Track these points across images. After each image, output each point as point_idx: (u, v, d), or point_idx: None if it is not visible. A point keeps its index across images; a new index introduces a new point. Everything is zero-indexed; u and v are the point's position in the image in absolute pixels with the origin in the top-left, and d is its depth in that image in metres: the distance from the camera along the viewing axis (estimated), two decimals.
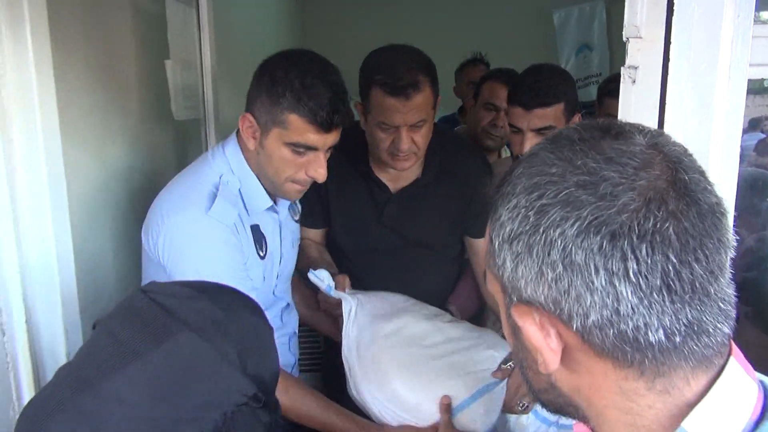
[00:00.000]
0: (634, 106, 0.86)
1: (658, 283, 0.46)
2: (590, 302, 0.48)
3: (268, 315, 1.36)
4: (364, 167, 1.51)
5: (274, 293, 1.38)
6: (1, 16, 0.95)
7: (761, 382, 0.52)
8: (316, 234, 1.59)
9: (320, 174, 1.21)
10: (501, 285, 0.54)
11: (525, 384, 0.61)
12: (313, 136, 1.16)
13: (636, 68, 0.85)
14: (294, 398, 1.21)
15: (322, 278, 1.28)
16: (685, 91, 0.76)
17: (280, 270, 1.38)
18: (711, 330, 0.48)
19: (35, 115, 1.02)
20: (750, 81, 0.82)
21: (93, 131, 1.33)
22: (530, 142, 1.48)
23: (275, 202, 1.32)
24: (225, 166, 1.24)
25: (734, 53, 0.75)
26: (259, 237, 1.28)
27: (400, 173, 1.50)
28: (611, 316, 0.47)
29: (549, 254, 0.48)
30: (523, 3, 4.56)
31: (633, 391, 0.50)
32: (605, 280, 0.47)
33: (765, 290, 0.92)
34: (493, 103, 2.14)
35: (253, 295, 0.94)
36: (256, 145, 1.21)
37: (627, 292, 0.46)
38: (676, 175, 0.47)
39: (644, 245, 0.45)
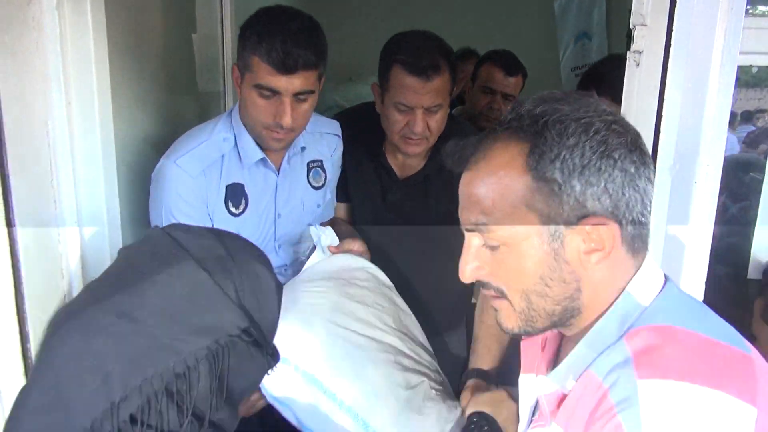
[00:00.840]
0: (637, 87, 0.98)
1: (652, 181, 0.69)
2: (635, 200, 0.67)
3: None
4: (376, 151, 1.58)
5: (278, 254, 1.47)
6: None
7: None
8: (342, 207, 1.67)
9: (285, 120, 1.25)
10: (546, 216, 0.66)
11: (527, 315, 0.72)
12: (272, 78, 1.22)
13: (641, 53, 0.97)
14: None
15: (320, 233, 1.36)
16: (683, 75, 0.87)
17: (278, 227, 1.45)
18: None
19: (92, 81, 1.11)
20: (746, 73, 0.94)
21: (135, 99, 1.43)
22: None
23: (280, 164, 1.41)
24: (228, 124, 1.37)
25: (727, 42, 0.86)
26: (236, 195, 1.37)
27: (408, 162, 1.56)
28: (641, 208, 0.68)
29: (613, 171, 0.65)
30: None
31: (626, 270, 0.70)
32: (644, 181, 0.67)
33: (744, 254, 1.05)
34: (489, 87, 2.20)
35: None
36: (240, 93, 1.31)
37: (649, 188, 0.68)
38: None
39: (647, 157, 0.69)
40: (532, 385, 0.83)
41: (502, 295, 0.73)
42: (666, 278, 0.73)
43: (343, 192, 1.63)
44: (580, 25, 4.90)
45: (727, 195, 1.16)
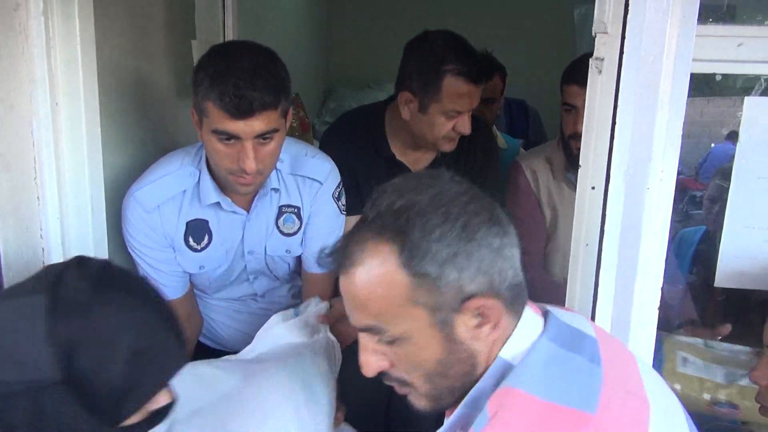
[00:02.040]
0: (599, 94, 0.98)
1: (516, 242, 0.74)
2: (506, 268, 0.71)
3: (238, 296, 1.51)
4: (386, 152, 1.59)
5: (250, 282, 1.48)
6: (51, 5, 1.09)
7: (546, 312, 0.77)
8: (353, 222, 1.67)
9: (247, 165, 1.16)
10: (432, 308, 0.70)
11: (433, 395, 0.75)
12: (229, 123, 1.13)
13: (602, 60, 0.97)
14: None
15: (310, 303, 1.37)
16: (635, 81, 0.88)
17: (249, 263, 1.42)
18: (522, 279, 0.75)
19: (79, 83, 1.16)
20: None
21: (127, 101, 1.48)
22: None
23: (247, 206, 1.33)
24: (197, 159, 1.31)
25: (679, 49, 0.86)
26: (198, 231, 1.33)
27: (420, 155, 1.60)
28: (513, 273, 0.72)
29: (479, 251, 0.69)
30: (544, 0, 4.62)
31: (508, 332, 0.74)
32: (509, 249, 0.72)
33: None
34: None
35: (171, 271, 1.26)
36: (200, 138, 1.23)
37: (515, 252, 0.73)
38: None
39: (509, 224, 0.74)
40: None
41: (405, 384, 0.76)
42: (544, 327, 0.75)
43: (357, 202, 1.52)
44: None
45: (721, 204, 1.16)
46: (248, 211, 1.35)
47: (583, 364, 0.71)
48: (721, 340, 1.42)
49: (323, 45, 4.84)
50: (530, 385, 0.68)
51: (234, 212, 1.35)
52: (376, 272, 0.70)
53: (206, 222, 1.34)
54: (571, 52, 4.66)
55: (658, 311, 0.95)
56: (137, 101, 1.54)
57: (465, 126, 1.47)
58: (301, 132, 3.52)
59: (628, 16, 0.87)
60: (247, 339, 1.35)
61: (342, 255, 0.73)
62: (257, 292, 1.51)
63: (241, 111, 1.12)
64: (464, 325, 0.71)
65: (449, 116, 1.46)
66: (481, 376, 0.74)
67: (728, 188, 1.05)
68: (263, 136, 1.17)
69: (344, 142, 1.60)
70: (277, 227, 1.40)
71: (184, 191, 1.31)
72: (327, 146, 1.62)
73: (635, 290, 0.94)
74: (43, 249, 1.14)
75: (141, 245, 1.33)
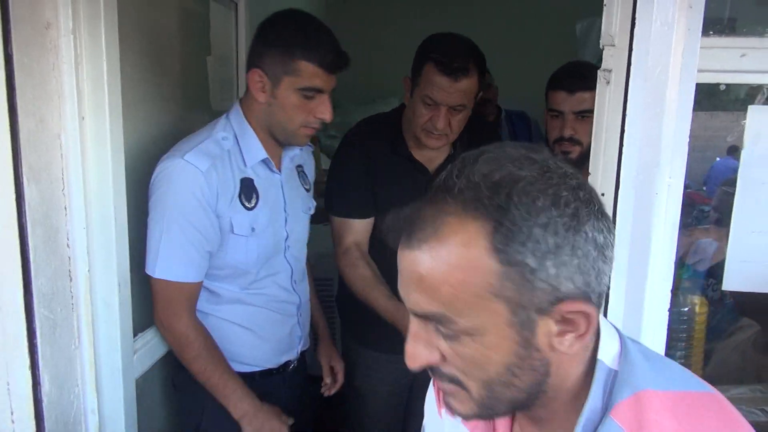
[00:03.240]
0: (607, 104, 1.02)
1: (613, 243, 0.62)
2: (604, 271, 0.60)
3: (280, 279, 1.53)
4: (404, 150, 1.65)
5: (285, 257, 1.52)
6: (82, 13, 1.14)
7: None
8: (363, 225, 1.67)
9: (327, 115, 1.38)
10: (516, 304, 0.58)
11: (486, 403, 0.64)
12: (320, 79, 1.34)
13: (610, 71, 1.01)
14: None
15: None
16: (642, 91, 0.92)
17: (289, 231, 1.51)
18: None
19: (104, 99, 1.21)
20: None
21: (147, 115, 1.53)
22: (570, 124, 1.60)
23: (278, 167, 1.49)
24: (226, 127, 1.43)
25: (684, 60, 0.90)
26: (248, 189, 1.42)
27: (434, 153, 1.65)
28: (605, 278, 0.61)
29: (585, 246, 0.57)
30: (546, 14, 4.69)
31: (591, 339, 0.64)
32: (610, 249, 0.60)
33: None
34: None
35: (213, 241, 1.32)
36: (267, 98, 1.38)
37: (613, 255, 0.61)
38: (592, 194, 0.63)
39: (611, 224, 0.62)
40: None
41: (456, 383, 0.64)
42: (616, 330, 0.69)
43: (369, 207, 1.67)
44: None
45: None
46: (280, 171, 1.51)
47: (664, 357, 0.70)
48: None
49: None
50: (655, 382, 0.62)
51: (272, 171, 1.48)
52: (457, 252, 0.57)
53: (252, 180, 1.43)
54: None
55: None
56: (157, 116, 1.59)
57: (439, 121, 1.52)
58: (313, 163, 3.56)
59: (635, 29, 0.91)
60: (273, 349, 1.50)
61: (411, 226, 0.61)
62: (293, 269, 1.55)
63: (337, 66, 1.35)
64: (546, 329, 0.59)
65: (426, 104, 1.52)
66: (550, 390, 0.64)
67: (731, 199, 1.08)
68: (331, 91, 1.39)
69: (364, 142, 1.68)
70: (301, 184, 1.61)
71: (228, 150, 1.40)
72: (347, 147, 1.70)
73: (646, 294, 0.97)
74: (69, 258, 1.18)
75: (188, 213, 1.32)
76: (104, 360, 1.28)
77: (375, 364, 1.82)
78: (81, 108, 1.18)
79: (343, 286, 1.78)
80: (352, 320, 1.86)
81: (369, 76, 4.71)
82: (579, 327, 0.60)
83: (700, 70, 0.91)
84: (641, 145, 0.93)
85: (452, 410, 0.66)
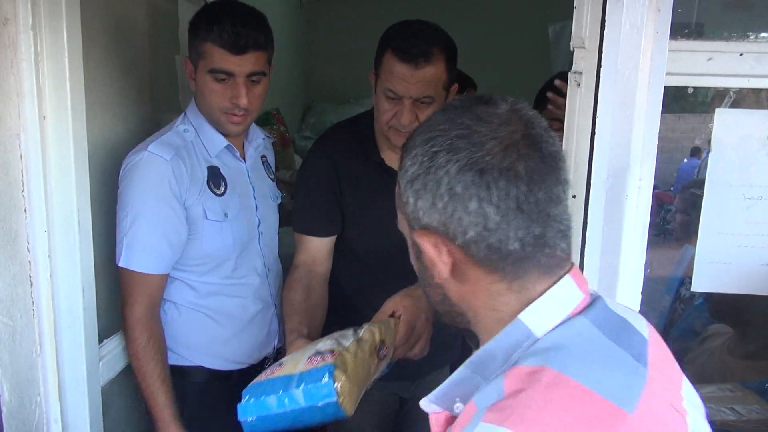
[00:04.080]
0: (578, 106, 1.02)
1: (513, 205, 0.63)
2: (467, 222, 0.64)
3: (257, 267, 1.53)
4: (376, 157, 1.48)
5: (259, 243, 1.52)
6: (43, 10, 1.10)
7: (597, 297, 0.70)
8: (319, 244, 1.47)
9: (241, 101, 1.33)
10: (407, 219, 0.71)
11: (427, 300, 0.78)
12: (225, 60, 1.30)
13: (581, 73, 1.02)
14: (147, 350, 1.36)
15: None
16: (612, 94, 0.92)
17: (260, 218, 1.52)
18: (551, 244, 0.66)
19: (66, 97, 1.17)
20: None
21: (113, 114, 1.49)
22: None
23: (243, 155, 1.50)
24: (185, 121, 1.43)
25: (653, 63, 0.91)
26: (216, 177, 1.42)
27: None
28: (482, 231, 0.64)
29: (438, 188, 0.65)
30: (518, 16, 4.73)
31: (497, 291, 0.67)
32: (476, 204, 0.63)
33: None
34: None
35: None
36: (194, 85, 1.39)
37: (491, 213, 0.63)
38: (527, 130, 0.65)
39: (502, 178, 0.63)
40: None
41: None
42: (588, 308, 0.68)
43: (331, 223, 1.48)
44: None
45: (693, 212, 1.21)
46: (245, 160, 1.50)
47: (627, 359, 0.65)
48: None
49: (303, 61, 4.88)
50: (564, 365, 0.61)
51: (237, 159, 1.47)
52: None
53: (218, 169, 1.43)
54: (546, 68, 4.78)
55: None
56: (124, 115, 1.55)
57: (403, 116, 1.34)
58: (282, 146, 3.54)
59: (605, 32, 0.91)
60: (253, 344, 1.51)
61: None
62: (264, 257, 1.54)
63: (238, 47, 1.29)
64: (428, 252, 0.69)
65: (388, 97, 1.35)
66: (474, 325, 0.71)
67: (697, 199, 1.10)
68: (252, 77, 1.34)
69: (331, 151, 1.50)
70: (266, 174, 1.59)
71: (191, 141, 1.40)
72: (316, 154, 1.54)
73: (617, 295, 0.97)
74: (30, 261, 1.14)
75: (152, 205, 1.32)
76: (68, 367, 1.24)
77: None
78: (42, 107, 1.14)
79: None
80: None
81: (344, 76, 4.70)
82: (444, 258, 0.67)
83: (668, 73, 0.92)
84: (612, 147, 0.93)
85: None
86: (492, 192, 0.63)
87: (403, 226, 0.74)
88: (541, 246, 0.65)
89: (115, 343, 1.45)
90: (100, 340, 1.36)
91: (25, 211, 1.12)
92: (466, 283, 0.69)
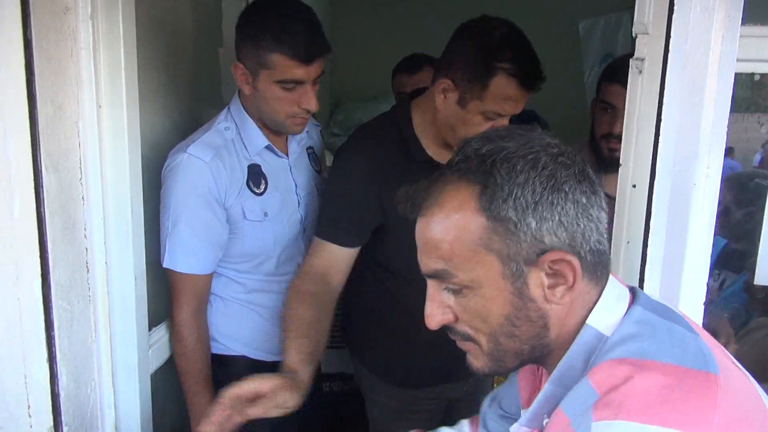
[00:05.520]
0: (640, 93, 1.00)
1: (601, 208, 0.69)
2: (590, 229, 0.67)
3: (295, 264, 1.51)
4: (422, 156, 1.37)
5: (302, 239, 1.50)
6: (99, 1, 1.11)
7: (630, 286, 0.75)
8: (339, 255, 1.35)
9: (312, 104, 1.34)
10: (506, 256, 0.66)
11: (495, 355, 0.72)
12: (297, 71, 1.30)
13: (643, 60, 0.99)
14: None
15: None
16: (680, 80, 0.90)
17: (304, 213, 1.50)
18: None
19: (121, 87, 1.18)
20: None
21: (159, 106, 1.50)
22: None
23: (286, 151, 1.48)
24: (227, 118, 1.42)
25: (724, 48, 0.88)
26: (256, 176, 1.41)
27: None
28: (598, 237, 0.68)
29: (565, 204, 0.65)
30: (548, 13, 4.67)
31: (591, 300, 0.70)
32: (597, 211, 0.68)
33: (751, 259, 1.06)
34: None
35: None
36: (251, 90, 1.36)
37: (603, 216, 0.69)
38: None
39: (596, 184, 0.69)
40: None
41: (469, 339, 0.72)
42: (634, 297, 0.72)
43: (360, 233, 1.38)
44: (605, 46, 4.91)
45: (731, 200, 1.17)
46: (288, 156, 1.49)
47: (684, 332, 0.67)
48: None
49: (329, 58, 4.89)
50: (643, 351, 0.64)
51: (278, 156, 1.46)
52: (452, 214, 0.68)
53: (259, 167, 1.42)
54: (577, 64, 4.71)
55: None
56: (170, 107, 1.57)
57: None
58: (322, 143, 3.54)
59: (674, 16, 0.89)
60: None
61: (421, 198, 0.71)
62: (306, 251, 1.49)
63: (309, 57, 1.29)
64: (538, 281, 0.67)
65: (488, 117, 1.28)
66: (554, 344, 0.70)
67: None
68: (316, 79, 1.35)
69: (371, 153, 1.38)
70: (312, 167, 1.57)
71: (232, 140, 1.40)
72: (355, 155, 1.41)
73: (682, 286, 0.95)
74: (87, 249, 1.15)
75: (193, 207, 1.32)
76: (120, 354, 1.26)
77: (398, 401, 1.61)
78: (98, 96, 1.15)
79: (348, 317, 1.66)
80: (371, 359, 1.64)
81: (370, 73, 4.69)
82: (567, 278, 0.66)
83: (739, 59, 0.89)
84: (679, 135, 0.91)
85: (472, 367, 0.74)
86: (601, 198, 0.68)
87: (482, 269, 0.68)
88: (606, 243, 0.70)
89: (163, 331, 1.47)
90: (150, 328, 1.37)
91: (82, 198, 1.14)
92: (573, 300, 0.69)
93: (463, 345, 0.74)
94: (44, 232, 1.04)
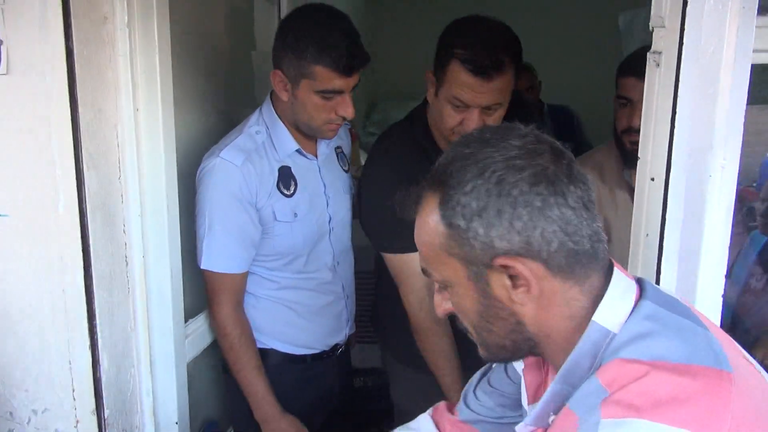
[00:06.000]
0: (657, 87, 1.00)
1: (581, 205, 0.67)
2: (550, 232, 0.66)
3: (327, 261, 1.57)
4: (438, 154, 1.41)
5: (329, 239, 1.55)
6: (136, 9, 1.18)
7: (637, 278, 0.74)
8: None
9: (349, 112, 1.38)
10: (465, 260, 0.69)
11: (485, 345, 0.76)
12: (338, 82, 1.34)
13: (660, 53, 1.00)
14: None
15: None
16: (694, 72, 0.90)
17: (332, 213, 1.54)
18: (602, 237, 0.70)
19: (157, 92, 1.25)
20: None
21: (194, 109, 1.58)
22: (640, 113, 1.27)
23: (315, 152, 1.53)
24: (259, 121, 1.47)
25: (739, 40, 0.88)
26: (286, 177, 1.46)
27: None
28: (563, 238, 0.67)
29: (515, 208, 0.65)
30: (587, 7, 4.60)
31: (573, 298, 0.69)
32: (558, 211, 0.66)
33: None
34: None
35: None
36: (289, 97, 1.40)
37: (569, 214, 0.67)
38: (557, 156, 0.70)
39: (570, 183, 0.67)
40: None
41: (467, 330, 0.78)
42: (641, 290, 0.71)
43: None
44: (645, 38, 4.82)
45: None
46: (317, 157, 1.53)
47: (693, 327, 0.67)
48: None
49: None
50: (653, 349, 0.63)
51: (308, 158, 1.51)
52: (424, 220, 0.73)
53: (289, 168, 1.47)
54: (617, 58, 4.62)
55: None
56: (204, 110, 1.64)
57: (471, 124, 1.30)
58: (350, 142, 3.60)
59: (687, 9, 0.89)
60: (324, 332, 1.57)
61: (413, 200, 0.77)
62: (334, 251, 1.57)
63: (352, 69, 1.34)
64: (500, 282, 0.69)
65: (455, 106, 1.31)
66: (540, 338, 0.71)
67: None
68: (354, 88, 1.39)
69: (397, 161, 1.44)
70: (340, 166, 1.62)
71: (263, 143, 1.45)
72: (379, 166, 1.50)
73: (698, 279, 0.95)
74: (125, 243, 1.23)
75: (226, 209, 1.38)
76: (157, 344, 1.33)
77: (418, 384, 1.63)
78: (135, 100, 1.22)
79: (380, 306, 1.72)
80: (394, 344, 1.72)
81: (407, 73, 4.71)
82: (526, 280, 0.68)
83: (755, 50, 0.89)
84: (693, 127, 0.91)
85: (480, 354, 0.79)
86: (567, 196, 0.66)
87: (446, 273, 0.73)
88: (599, 241, 0.69)
89: (199, 323, 1.54)
90: (186, 320, 1.44)
91: (121, 196, 1.21)
92: (542, 300, 0.69)
93: (468, 335, 0.79)
94: (86, 227, 1.12)
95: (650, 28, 1.02)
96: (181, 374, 1.40)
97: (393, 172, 1.42)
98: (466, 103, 1.30)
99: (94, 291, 1.15)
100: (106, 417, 1.19)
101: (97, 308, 1.15)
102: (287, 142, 1.47)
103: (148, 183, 1.26)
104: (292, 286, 1.54)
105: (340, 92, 1.36)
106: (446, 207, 0.69)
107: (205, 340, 1.58)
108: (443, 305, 0.78)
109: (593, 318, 0.68)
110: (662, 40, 0.98)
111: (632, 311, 0.68)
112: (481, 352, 0.78)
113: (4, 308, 1.14)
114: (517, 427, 0.78)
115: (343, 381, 1.74)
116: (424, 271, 0.77)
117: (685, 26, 0.90)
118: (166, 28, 1.27)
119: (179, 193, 1.37)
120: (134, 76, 1.21)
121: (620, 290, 0.70)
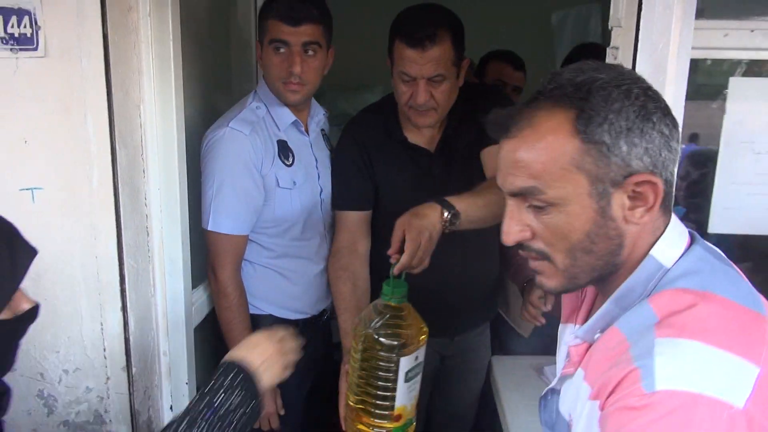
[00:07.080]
0: None
1: (680, 143, 0.76)
2: (669, 160, 0.73)
3: (320, 229, 1.71)
4: (399, 136, 1.60)
5: (321, 209, 1.69)
6: (152, 8, 1.28)
7: (690, 231, 0.81)
8: (358, 218, 1.61)
9: (296, 68, 1.48)
10: (594, 177, 0.71)
11: (570, 271, 0.76)
12: (285, 30, 1.46)
13: (617, 49, 1.21)
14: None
15: None
16: (647, 64, 1.12)
17: (322, 186, 1.69)
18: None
19: (170, 77, 1.34)
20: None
21: (204, 93, 1.68)
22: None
23: (307, 131, 1.66)
24: (255, 98, 1.60)
25: (681, 38, 1.11)
26: (285, 149, 1.59)
27: (430, 132, 1.60)
28: (672, 167, 0.73)
29: (652, 133, 0.70)
30: (521, 4, 4.89)
31: (657, 228, 0.76)
32: (676, 143, 0.74)
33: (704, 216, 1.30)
34: (502, 80, 2.49)
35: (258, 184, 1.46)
36: (261, 63, 1.54)
37: (679, 150, 0.75)
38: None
39: (677, 124, 0.75)
40: (567, 335, 0.90)
41: (544, 256, 0.77)
42: (692, 238, 0.77)
43: (365, 197, 1.63)
44: (576, 37, 5.16)
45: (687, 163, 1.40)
46: (308, 134, 1.66)
47: (738, 274, 0.76)
48: None
49: (325, 28, 4.97)
50: (704, 284, 0.70)
51: (302, 133, 1.64)
52: (547, 135, 0.72)
53: (286, 142, 1.61)
54: (550, 56, 4.94)
55: None
56: (212, 93, 1.74)
57: (419, 95, 1.46)
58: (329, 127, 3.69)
59: (642, 12, 1.11)
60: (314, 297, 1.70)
61: (510, 121, 0.75)
62: (325, 221, 1.70)
63: (293, 19, 1.45)
64: (620, 201, 0.72)
65: (404, 80, 1.47)
66: (623, 265, 0.75)
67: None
68: (307, 48, 1.49)
69: (357, 132, 1.65)
70: (326, 146, 1.74)
71: (263, 117, 1.58)
72: (347, 139, 1.67)
73: None
74: (147, 215, 1.33)
75: (236, 174, 1.50)
76: (171, 309, 1.44)
77: None
78: (154, 83, 1.32)
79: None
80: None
81: (352, 64, 4.82)
82: (648, 199, 0.71)
83: (693, 47, 1.12)
84: None
85: (543, 287, 0.80)
86: (675, 131, 0.73)
87: (575, 188, 0.72)
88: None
89: (200, 293, 1.65)
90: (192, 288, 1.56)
91: (143, 171, 1.32)
92: (647, 224, 0.74)
93: (535, 264, 0.79)
94: (118, 199, 1.22)
95: (609, 28, 1.23)
96: (190, 338, 1.52)
97: (354, 147, 1.63)
98: (411, 75, 1.45)
99: (124, 259, 1.25)
100: (133, 374, 1.30)
101: (126, 274, 1.26)
102: (284, 114, 1.61)
103: (163, 160, 1.37)
104: (289, 254, 1.66)
105: (287, 44, 1.47)
106: (589, 123, 0.70)
107: (204, 310, 1.69)
108: (521, 232, 0.77)
109: (651, 252, 0.74)
110: (620, 38, 1.20)
111: (685, 252, 0.75)
112: (555, 282, 0.78)
113: (36, 274, 1.22)
114: (566, 341, 0.86)
115: (323, 349, 1.88)
116: (521, 192, 0.75)
117: (641, 26, 1.11)
118: (177, 18, 1.38)
119: (189, 169, 1.48)
120: (153, 61, 1.32)
121: (677, 232, 0.76)
